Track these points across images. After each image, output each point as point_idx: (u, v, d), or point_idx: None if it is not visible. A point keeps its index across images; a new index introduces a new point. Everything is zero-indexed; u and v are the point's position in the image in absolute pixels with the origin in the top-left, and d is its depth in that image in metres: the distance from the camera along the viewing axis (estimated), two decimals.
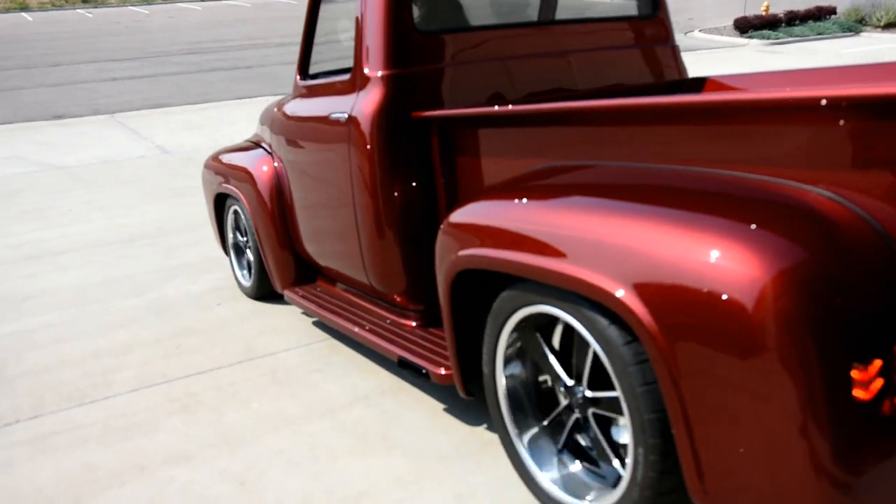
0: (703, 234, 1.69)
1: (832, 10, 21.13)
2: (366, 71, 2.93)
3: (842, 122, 1.64)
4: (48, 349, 3.95)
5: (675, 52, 3.59)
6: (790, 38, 18.69)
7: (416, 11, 2.94)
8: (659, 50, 3.51)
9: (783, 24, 19.95)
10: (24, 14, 30.44)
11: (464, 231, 2.35)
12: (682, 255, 1.69)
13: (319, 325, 4.01)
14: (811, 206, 1.69)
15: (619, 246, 1.82)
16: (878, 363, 1.58)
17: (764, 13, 20.37)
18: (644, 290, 1.76)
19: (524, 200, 2.20)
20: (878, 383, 1.59)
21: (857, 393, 1.57)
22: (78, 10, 30.84)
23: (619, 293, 1.80)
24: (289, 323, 4.06)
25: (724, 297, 1.61)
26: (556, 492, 2.27)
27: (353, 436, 2.92)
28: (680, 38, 20.12)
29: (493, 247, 2.20)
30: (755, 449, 1.66)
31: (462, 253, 2.32)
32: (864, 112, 1.60)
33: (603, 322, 1.95)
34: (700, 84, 3.46)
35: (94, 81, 15.73)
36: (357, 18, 2.97)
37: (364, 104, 2.91)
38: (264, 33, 22.89)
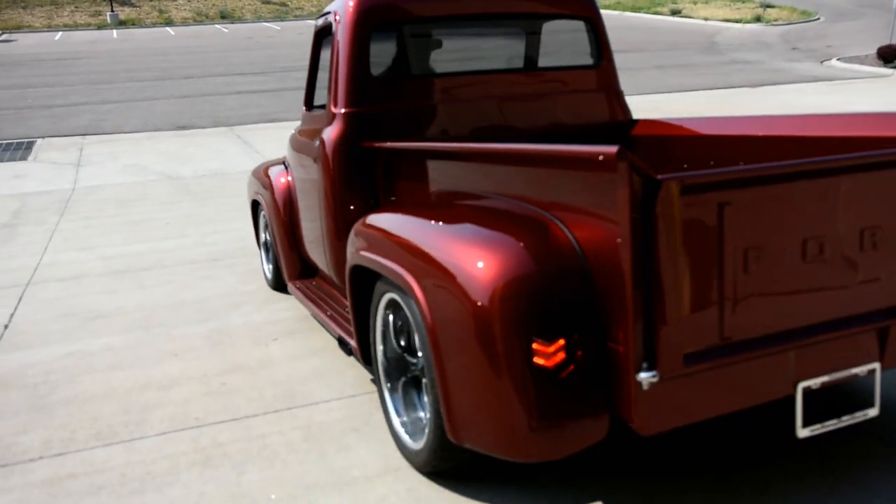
0: (463, 248, 2.37)
1: None
2: (332, 109, 3.57)
3: (559, 171, 2.29)
4: (100, 376, 3.87)
5: (618, 96, 4.04)
6: None
7: (373, 63, 3.52)
8: (602, 94, 3.98)
9: None
10: (168, 28, 32.23)
11: (360, 234, 3.02)
12: (449, 261, 2.38)
13: (369, 374, 3.75)
14: (541, 230, 2.29)
15: (420, 251, 2.54)
16: (561, 342, 2.12)
17: None
18: (425, 283, 2.44)
19: (391, 215, 2.93)
20: (560, 356, 2.13)
21: (538, 361, 2.13)
22: (216, 25, 32.32)
23: (413, 285, 2.48)
24: (338, 368, 3.81)
25: (467, 292, 2.25)
26: (400, 432, 2.93)
27: None
28: (814, 68, 18.85)
29: (366, 250, 2.91)
30: (478, 398, 2.26)
31: (356, 251, 3.00)
32: (570, 164, 2.21)
33: (415, 307, 2.52)
34: (631, 126, 3.97)
35: (220, 94, 16.31)
36: (330, 68, 3.61)
37: (329, 134, 3.53)
38: None
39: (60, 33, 30.77)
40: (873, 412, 2.35)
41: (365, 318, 3.10)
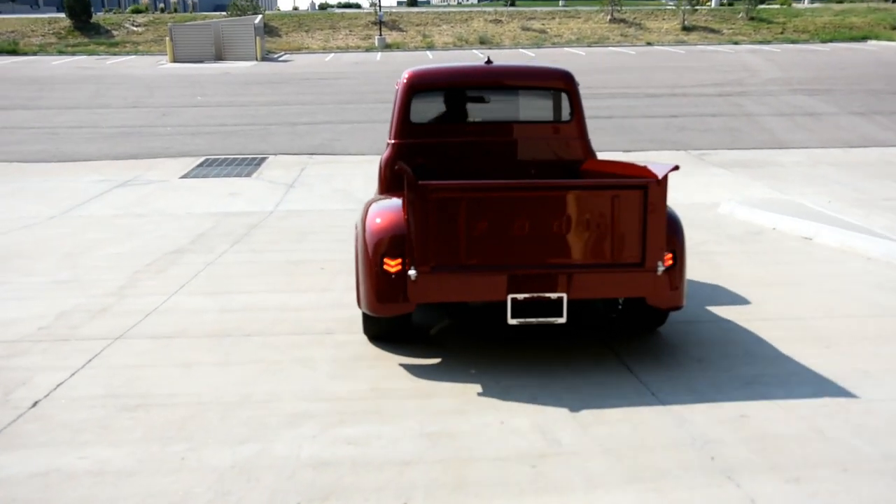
0: (371, 217, 4.31)
1: None
2: (388, 140, 5.36)
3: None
4: None
5: (584, 141, 5.37)
6: None
7: (412, 113, 5.22)
8: (571, 141, 5.35)
9: None
10: (427, 52, 32.19)
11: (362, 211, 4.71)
12: (365, 218, 4.34)
13: None
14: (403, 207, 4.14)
15: (363, 214, 4.48)
16: (399, 260, 4.02)
17: None
18: (357, 229, 4.43)
19: (372, 199, 4.83)
20: (398, 267, 4.02)
21: (387, 268, 4.05)
22: (473, 50, 31.85)
23: (357, 230, 4.45)
24: None
25: (366, 237, 4.21)
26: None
27: None
28: None
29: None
30: (363, 284, 4.22)
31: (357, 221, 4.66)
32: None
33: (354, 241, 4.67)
34: (581, 163, 5.29)
35: None
36: (391, 114, 5.35)
37: (384, 155, 5.36)
38: (640, 82, 21.04)
39: (332, 55, 32.13)
40: (561, 320, 4.00)
41: None
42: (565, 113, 5.34)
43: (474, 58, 30.25)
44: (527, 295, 3.94)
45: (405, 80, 5.20)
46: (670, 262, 4.09)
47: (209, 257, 6.73)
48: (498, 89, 5.44)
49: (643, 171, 4.24)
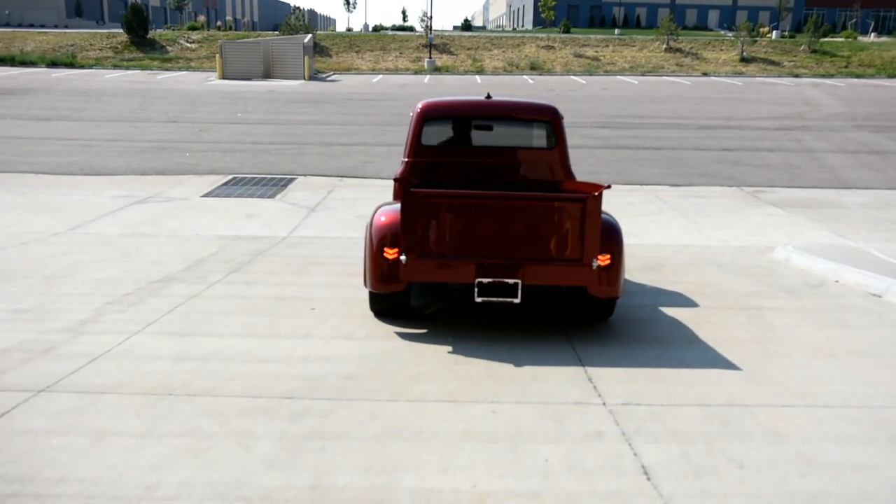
0: (377, 216, 5.20)
1: None
2: (403, 158, 6.22)
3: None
4: None
5: (565, 166, 6.17)
6: None
7: (423, 137, 6.13)
8: (554, 165, 6.17)
9: None
10: (476, 76, 31.45)
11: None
12: (374, 217, 5.23)
13: None
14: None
15: (372, 214, 5.30)
16: (396, 249, 4.87)
17: None
18: (371, 222, 5.22)
19: (382, 203, 5.59)
20: (395, 254, 4.87)
21: (386, 255, 4.94)
22: (524, 76, 30.87)
23: (366, 225, 5.25)
24: None
25: (372, 232, 5.11)
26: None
27: None
28: None
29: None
30: (368, 267, 5.11)
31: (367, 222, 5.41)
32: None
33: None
34: (560, 184, 6.09)
35: None
36: (406, 136, 6.27)
37: (399, 171, 6.17)
38: (693, 113, 19.82)
39: (380, 76, 31.53)
40: (516, 300, 4.79)
41: None
42: (550, 141, 6.22)
43: (523, 84, 29.45)
44: (490, 280, 4.79)
45: (419, 110, 6.18)
46: (607, 261, 4.86)
47: (195, 289, 5.96)
48: (494, 120, 6.31)
49: (594, 188, 5.05)
